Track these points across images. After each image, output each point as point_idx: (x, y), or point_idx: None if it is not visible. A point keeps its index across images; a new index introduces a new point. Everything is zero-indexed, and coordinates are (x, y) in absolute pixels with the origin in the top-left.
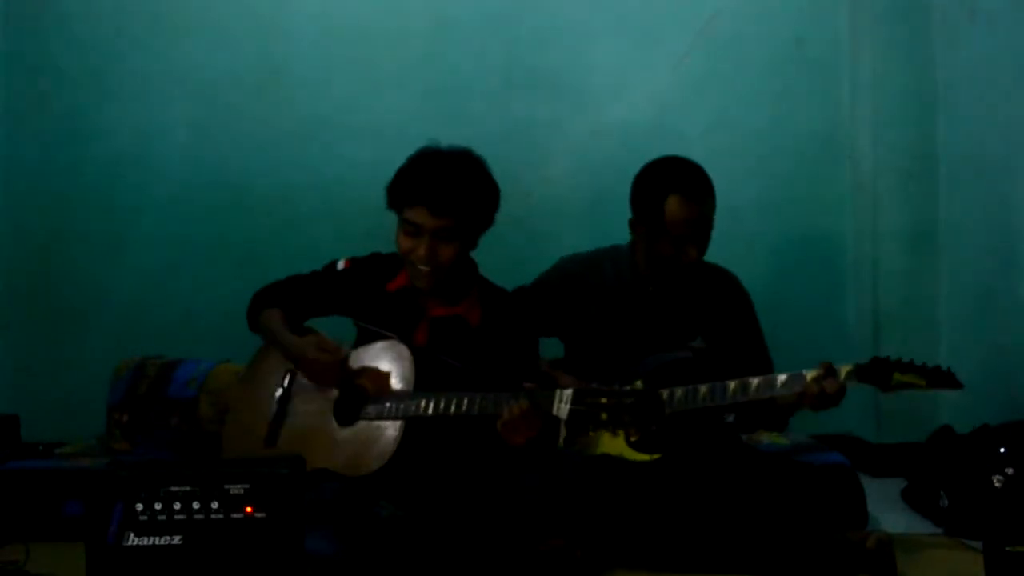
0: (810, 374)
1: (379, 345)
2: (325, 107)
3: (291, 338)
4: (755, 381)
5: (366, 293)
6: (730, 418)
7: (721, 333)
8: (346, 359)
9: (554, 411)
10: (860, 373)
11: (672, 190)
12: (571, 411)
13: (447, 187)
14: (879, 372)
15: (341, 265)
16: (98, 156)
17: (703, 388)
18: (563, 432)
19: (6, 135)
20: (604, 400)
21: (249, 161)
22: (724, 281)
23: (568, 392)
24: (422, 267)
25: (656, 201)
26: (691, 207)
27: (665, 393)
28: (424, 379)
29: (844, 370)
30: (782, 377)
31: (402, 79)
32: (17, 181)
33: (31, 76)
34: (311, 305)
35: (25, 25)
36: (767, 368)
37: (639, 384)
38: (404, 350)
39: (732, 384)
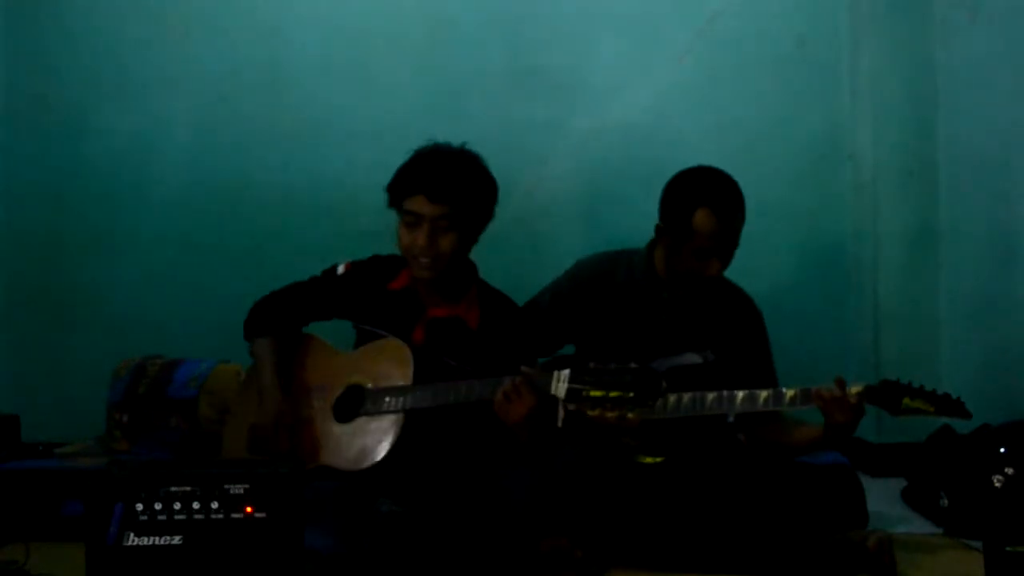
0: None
1: (379, 343)
2: (325, 107)
3: (271, 389)
4: (763, 393)
5: (367, 294)
6: (731, 418)
7: (730, 350)
8: (282, 437)
9: (552, 390)
10: (870, 395)
11: (702, 203)
12: (569, 390)
13: (443, 174)
14: (889, 396)
15: (341, 269)
16: (98, 156)
17: (710, 395)
18: (561, 413)
19: (6, 135)
20: (602, 377)
21: (249, 161)
22: (739, 300)
23: (566, 372)
24: (423, 258)
25: (685, 211)
26: (720, 222)
27: (672, 397)
28: (423, 378)
29: (854, 390)
30: (790, 392)
31: (402, 79)
32: (17, 181)
33: (31, 76)
34: (312, 311)
35: (25, 25)
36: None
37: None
38: (403, 346)
39: (740, 394)
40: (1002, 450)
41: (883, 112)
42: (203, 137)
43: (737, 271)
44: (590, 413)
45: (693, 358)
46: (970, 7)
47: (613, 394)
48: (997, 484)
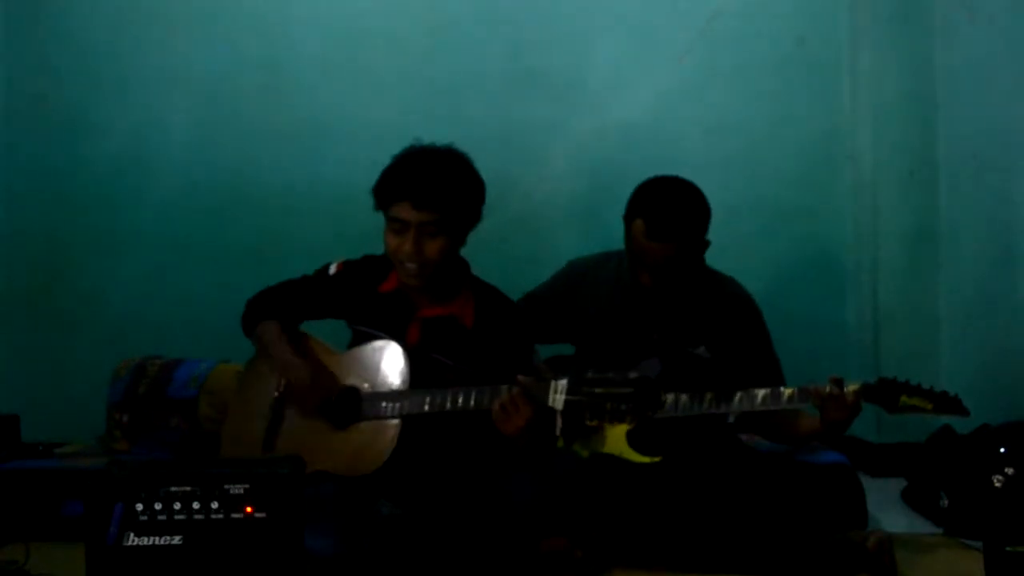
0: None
1: (373, 345)
2: (325, 107)
3: (288, 357)
4: (761, 392)
5: (358, 296)
6: (731, 418)
7: (726, 347)
8: (334, 397)
9: (550, 402)
10: (867, 393)
11: (642, 215)
12: (567, 401)
13: (429, 181)
14: (886, 393)
15: (333, 269)
16: (97, 156)
17: (708, 395)
18: (559, 423)
19: (6, 135)
20: (600, 389)
21: (249, 161)
22: (733, 297)
23: (563, 382)
24: (409, 264)
25: (630, 215)
26: (651, 238)
27: (671, 397)
28: (418, 379)
29: (851, 388)
30: (788, 391)
31: (402, 79)
32: (17, 181)
33: (31, 76)
34: (305, 309)
35: (25, 25)
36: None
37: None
38: (398, 350)
39: (738, 395)
40: (1002, 450)
41: (883, 112)
42: (203, 137)
43: (738, 271)
44: (589, 424)
45: (653, 366)
46: (970, 7)
47: (611, 406)
48: (997, 484)
